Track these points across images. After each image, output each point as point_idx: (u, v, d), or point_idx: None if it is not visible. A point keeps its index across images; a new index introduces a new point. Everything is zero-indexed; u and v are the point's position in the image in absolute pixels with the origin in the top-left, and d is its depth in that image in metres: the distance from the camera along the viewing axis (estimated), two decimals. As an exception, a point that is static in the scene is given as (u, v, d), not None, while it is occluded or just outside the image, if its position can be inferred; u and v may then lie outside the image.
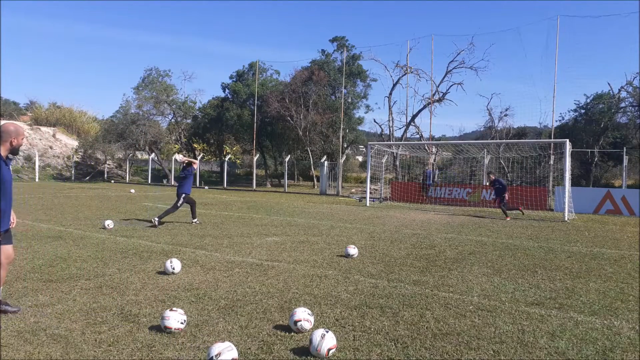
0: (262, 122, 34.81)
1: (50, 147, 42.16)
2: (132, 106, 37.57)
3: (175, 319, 3.89)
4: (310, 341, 3.48)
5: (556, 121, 29.67)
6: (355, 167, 47.92)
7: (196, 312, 4.46)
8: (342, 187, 29.06)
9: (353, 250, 7.44)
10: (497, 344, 3.81)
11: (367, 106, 37.11)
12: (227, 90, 39.04)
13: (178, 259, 6.21)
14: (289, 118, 31.89)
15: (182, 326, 3.90)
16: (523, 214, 15.70)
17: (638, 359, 3.61)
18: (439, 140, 34.36)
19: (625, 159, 21.65)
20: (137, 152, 42.45)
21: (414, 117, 31.01)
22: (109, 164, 40.81)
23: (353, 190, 29.57)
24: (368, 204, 19.38)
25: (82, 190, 25.14)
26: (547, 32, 66.60)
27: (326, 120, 31.75)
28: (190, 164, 11.61)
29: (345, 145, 33.93)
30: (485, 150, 22.38)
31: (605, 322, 4.43)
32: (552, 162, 21.65)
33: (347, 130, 33.66)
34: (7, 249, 4.16)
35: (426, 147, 26.38)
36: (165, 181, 37.10)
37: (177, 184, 12.35)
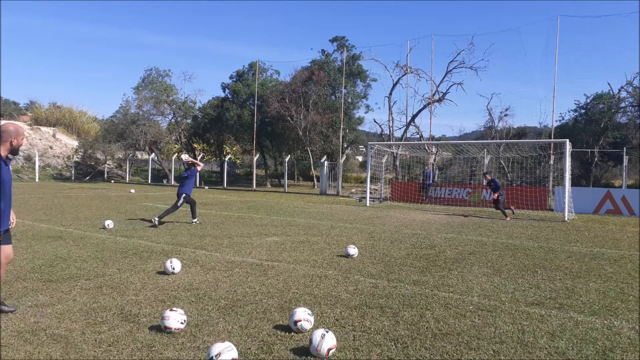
0: (262, 122, 34.81)
1: (50, 147, 42.17)
2: (132, 106, 37.59)
3: (175, 319, 3.89)
4: (310, 341, 3.48)
5: (556, 121, 29.71)
6: (355, 167, 47.91)
7: (196, 312, 4.46)
8: (342, 187, 29.06)
9: (353, 250, 7.44)
10: (497, 344, 3.81)
11: (367, 106, 37.15)
12: (227, 90, 39.05)
13: (178, 259, 6.21)
14: (289, 118, 31.89)
15: (182, 326, 3.91)
16: (513, 213, 15.60)
17: (638, 359, 3.61)
18: (439, 140, 34.36)
19: (625, 159, 21.64)
20: (137, 152, 42.44)
21: (414, 117, 31.04)
22: (109, 164, 40.82)
23: (353, 190, 29.57)
24: (368, 204, 19.38)
25: (82, 190, 25.14)
26: (547, 32, 66.64)
27: (326, 120, 31.75)
28: (194, 164, 11.73)
29: (345, 145, 33.93)
30: (485, 150, 22.38)
31: (605, 322, 4.43)
32: (552, 162, 21.66)
33: (347, 130, 33.66)
34: (7, 249, 4.15)
35: (426, 147, 26.38)
36: (165, 181, 37.11)
37: (178, 184, 12.37)
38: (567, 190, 15.23)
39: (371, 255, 7.65)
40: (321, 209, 17.05)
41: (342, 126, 29.87)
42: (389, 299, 5.07)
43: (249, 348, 3.64)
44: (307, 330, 3.94)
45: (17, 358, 3.39)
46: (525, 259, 7.67)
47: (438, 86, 30.21)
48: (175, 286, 5.42)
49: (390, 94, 31.60)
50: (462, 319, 4.44)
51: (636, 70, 30.79)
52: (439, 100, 30.14)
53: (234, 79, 38.71)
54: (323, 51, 35.98)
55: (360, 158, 50.13)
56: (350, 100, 34.85)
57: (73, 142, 43.54)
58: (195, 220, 11.31)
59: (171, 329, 3.86)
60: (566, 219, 14.50)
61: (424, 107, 30.61)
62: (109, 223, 10.08)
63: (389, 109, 31.62)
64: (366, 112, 50.35)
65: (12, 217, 4.26)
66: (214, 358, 3.18)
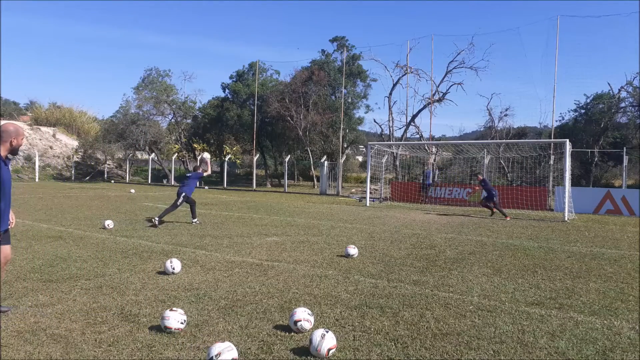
0: (262, 122, 34.82)
1: (50, 147, 42.17)
2: (132, 106, 37.59)
3: (175, 319, 3.89)
4: (310, 341, 3.48)
5: (556, 121, 29.70)
6: (355, 167, 47.90)
7: (196, 312, 4.46)
8: (342, 187, 29.06)
9: (353, 250, 7.44)
10: (497, 344, 3.81)
11: (367, 106, 37.18)
12: (227, 90, 39.06)
13: (178, 259, 6.21)
14: (289, 118, 31.88)
15: (182, 326, 3.90)
16: (492, 214, 15.53)
17: (638, 359, 3.61)
18: (439, 140, 34.36)
19: (625, 159, 21.65)
20: (137, 152, 42.43)
21: (414, 117, 31.04)
22: (109, 164, 40.82)
23: (353, 190, 29.57)
24: (368, 204, 19.38)
25: (82, 190, 25.14)
26: (547, 32, 66.60)
27: (326, 120, 31.76)
28: (198, 168, 12.00)
29: (345, 145, 33.93)
30: (485, 150, 22.38)
31: (605, 322, 4.43)
32: (552, 162, 21.65)
33: (347, 130, 33.66)
34: (5, 249, 4.15)
35: (426, 147, 26.38)
36: (165, 181, 37.11)
37: (178, 184, 12.41)
38: (567, 190, 15.22)
39: (371, 255, 7.65)
40: (321, 209, 17.05)
41: (342, 126, 29.87)
42: (389, 299, 5.07)
43: (249, 348, 3.64)
44: (307, 330, 3.94)
45: (17, 358, 3.39)
46: (525, 259, 7.67)
47: (438, 86, 30.25)
48: (175, 286, 5.42)
49: (390, 94, 31.63)
50: (462, 319, 4.44)
51: (636, 70, 30.81)
52: (439, 100, 30.14)
53: (234, 79, 38.73)
54: (323, 51, 36.04)
55: (360, 158, 50.14)
56: (350, 100, 34.87)
57: (73, 142, 43.53)
58: (195, 220, 11.31)
59: (171, 329, 3.86)
60: (566, 219, 14.50)
61: (424, 107, 30.64)
62: (109, 223, 10.08)
63: (389, 109, 31.65)
64: (366, 112, 50.42)
65: (12, 217, 4.26)
66: (214, 358, 3.18)
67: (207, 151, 43.06)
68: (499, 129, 31.52)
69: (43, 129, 44.67)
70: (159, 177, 39.39)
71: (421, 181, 22.21)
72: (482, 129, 33.24)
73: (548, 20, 67.04)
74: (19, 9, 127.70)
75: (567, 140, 15.81)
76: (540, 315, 4.58)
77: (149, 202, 17.56)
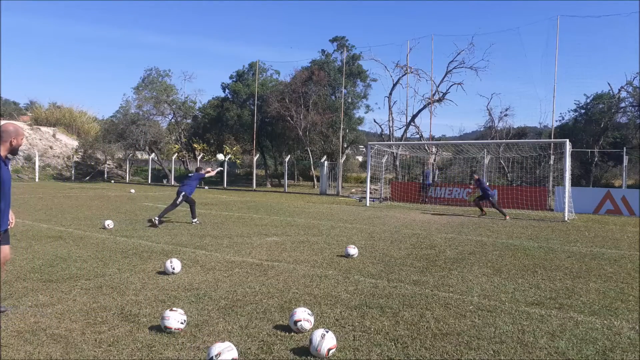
0: (262, 122, 34.81)
1: (50, 147, 42.16)
2: (132, 106, 37.60)
3: (175, 319, 3.89)
4: (310, 341, 3.48)
5: (556, 121, 29.70)
6: (355, 167, 47.90)
7: (196, 312, 4.46)
8: (342, 187, 29.05)
9: (353, 250, 7.44)
10: (497, 344, 3.81)
11: (367, 106, 37.17)
12: (227, 90, 39.06)
13: (178, 259, 6.21)
14: (289, 118, 31.88)
15: (182, 326, 3.91)
16: (482, 214, 15.51)
17: (638, 359, 3.61)
18: (439, 140, 34.37)
19: (625, 159, 21.65)
20: (137, 152, 42.44)
21: (414, 117, 31.04)
22: (109, 164, 40.82)
23: (353, 190, 29.57)
24: (368, 204, 19.38)
25: (82, 190, 25.14)
26: (547, 32, 66.61)
27: (326, 120, 31.76)
28: (200, 169, 12.16)
29: (345, 145, 33.93)
30: (485, 150, 22.38)
31: (605, 322, 4.43)
32: (552, 162, 21.65)
33: (347, 130, 33.66)
34: (5, 249, 4.15)
35: (426, 147, 26.38)
36: (165, 181, 37.11)
37: (179, 184, 12.44)
38: (567, 190, 15.22)
39: (371, 255, 7.65)
40: (321, 209, 17.05)
41: (342, 126, 29.87)
42: (389, 299, 5.07)
43: (249, 348, 3.64)
44: (307, 330, 3.94)
45: (17, 358, 3.39)
46: (525, 259, 7.67)
47: (438, 86, 30.25)
48: (175, 286, 5.42)
49: (390, 94, 31.63)
50: (462, 319, 4.44)
51: (636, 70, 30.81)
52: (439, 100, 30.14)
53: (234, 79, 38.72)
54: (323, 51, 36.04)
55: (360, 158, 50.14)
56: (350, 100, 34.86)
57: (73, 142, 43.53)
58: (195, 220, 11.31)
59: (171, 329, 3.86)
60: (566, 219, 14.50)
61: (424, 107, 30.64)
62: (109, 223, 10.08)
63: (389, 109, 31.65)
64: (366, 112, 50.38)
65: (12, 217, 4.26)
66: (214, 358, 3.18)
67: (206, 151, 43.11)
68: (499, 129, 31.52)
69: (43, 129, 44.67)
70: (159, 177, 39.39)
71: (421, 181, 22.21)
72: (482, 129, 33.27)
73: (548, 20, 67.11)
74: (19, 9, 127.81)
75: (567, 140, 15.81)
76: (540, 315, 4.58)
77: (149, 202, 17.56)
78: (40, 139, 42.23)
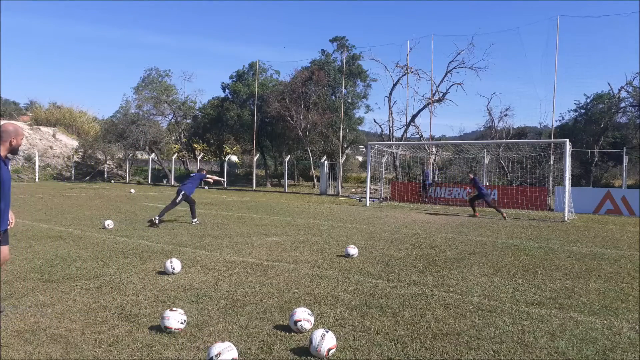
0: (262, 122, 34.81)
1: (50, 147, 42.16)
2: (132, 106, 37.62)
3: (175, 319, 3.89)
4: (310, 341, 3.48)
5: (556, 121, 29.71)
6: (355, 167, 47.91)
7: (196, 312, 4.46)
8: (342, 187, 29.05)
9: (353, 250, 7.44)
10: (497, 344, 3.81)
11: (367, 106, 37.19)
12: (227, 90, 39.06)
13: (178, 259, 6.21)
14: (289, 118, 31.89)
15: (182, 326, 3.90)
16: (474, 214, 15.43)
17: (638, 359, 3.61)
18: (439, 140, 34.38)
19: (625, 159, 21.65)
20: (137, 152, 42.44)
21: (414, 117, 31.05)
22: (109, 164, 40.82)
23: (353, 190, 29.57)
24: (368, 204, 19.38)
25: (82, 190, 25.14)
26: (547, 32, 66.64)
27: (326, 120, 31.76)
28: (202, 170, 12.32)
29: (345, 145, 33.93)
30: (485, 150, 22.38)
31: (605, 322, 4.43)
32: (552, 162, 21.66)
33: (347, 130, 33.66)
34: (4, 249, 4.15)
35: (426, 147, 26.38)
36: (165, 181, 37.10)
37: (179, 184, 12.47)
38: (567, 190, 15.22)
39: (371, 255, 7.65)
40: (321, 209, 17.05)
41: (342, 126, 29.87)
42: (389, 299, 5.07)
43: (249, 348, 3.64)
44: (307, 330, 3.94)
45: (17, 358, 3.39)
46: (525, 259, 7.67)
47: (438, 86, 30.26)
48: (175, 286, 5.41)
49: (390, 94, 31.64)
50: (462, 319, 4.44)
51: (636, 70, 30.81)
52: (439, 100, 30.15)
53: (234, 79, 38.72)
54: (323, 51, 36.04)
55: (360, 158, 50.14)
56: (350, 100, 34.87)
57: (73, 142, 43.53)
58: (195, 220, 11.31)
59: (171, 329, 3.86)
60: (566, 219, 14.50)
61: (424, 107, 30.65)
62: (109, 223, 10.08)
63: (389, 109, 31.65)
64: (366, 112, 50.43)
65: (11, 217, 4.26)
66: (214, 358, 3.18)
67: (206, 151, 43.09)
68: (499, 129, 31.53)
69: (43, 129, 44.66)
70: (159, 177, 39.39)
71: (421, 181, 22.22)
72: (482, 129, 33.28)
73: (548, 20, 67.13)
74: (19, 9, 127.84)
75: (567, 140, 15.81)
76: (540, 315, 4.58)
77: (149, 202, 17.56)
78: (40, 139, 42.23)
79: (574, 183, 22.18)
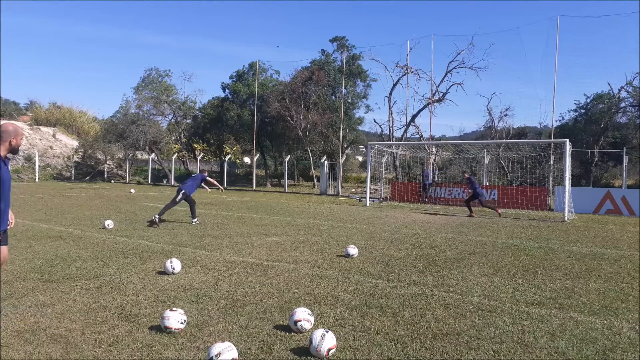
0: (262, 122, 34.81)
1: (50, 147, 42.16)
2: (132, 106, 37.62)
3: (175, 319, 3.89)
4: (310, 341, 3.48)
5: (556, 121, 29.70)
6: (355, 167, 47.91)
7: (196, 312, 4.46)
8: (342, 187, 29.05)
9: (353, 250, 7.44)
10: (497, 344, 3.81)
11: (367, 106, 37.19)
12: (227, 90, 39.06)
13: (178, 259, 6.21)
14: (289, 118, 31.88)
15: (182, 326, 3.90)
16: (470, 214, 15.31)
17: (638, 359, 3.61)
18: (439, 140, 34.38)
19: (625, 159, 21.64)
20: (137, 152, 42.46)
21: (414, 117, 31.05)
22: (109, 164, 40.82)
23: (353, 190, 29.57)
24: (368, 204, 19.38)
25: (82, 190, 25.14)
26: (547, 32, 66.63)
27: (326, 120, 31.76)
28: (204, 171, 12.03)
29: (345, 145, 33.93)
30: (485, 150, 22.38)
31: (605, 322, 4.43)
32: (552, 162, 21.66)
33: (347, 130, 33.66)
34: (3, 250, 4.15)
35: (426, 147, 26.38)
36: (165, 181, 37.11)
37: (178, 184, 12.46)
38: (567, 190, 15.22)
39: (371, 255, 7.65)
40: (321, 209, 17.05)
41: (342, 126, 29.87)
42: (389, 299, 5.07)
43: (249, 348, 3.64)
44: (307, 330, 3.94)
45: (17, 358, 3.39)
46: (525, 259, 7.67)
47: (438, 86, 30.26)
48: (175, 286, 5.42)
49: (390, 94, 31.64)
50: (462, 319, 4.44)
51: (636, 70, 30.80)
52: (439, 100, 30.15)
53: (234, 79, 38.72)
54: (323, 51, 36.04)
55: (360, 158, 50.14)
56: (350, 100, 34.87)
57: (73, 142, 43.53)
58: (195, 220, 11.32)
59: (171, 329, 3.86)
60: (566, 219, 14.50)
61: (424, 107, 30.65)
62: (109, 223, 10.08)
63: (389, 109, 31.65)
64: (366, 112, 50.42)
65: (11, 217, 4.26)
66: (214, 358, 3.18)
67: (206, 151, 43.08)
68: (499, 129, 31.53)
69: (43, 129, 44.66)
70: (159, 177, 39.39)
71: (421, 181, 22.22)
72: (482, 129, 33.28)
73: (548, 20, 67.13)
74: (19, 9, 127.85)
75: (567, 140, 15.81)
76: (540, 315, 4.58)
77: (149, 202, 17.56)
78: (40, 139, 42.23)
79: (574, 183, 22.18)
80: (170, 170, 36.58)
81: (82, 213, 13.16)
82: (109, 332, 3.90)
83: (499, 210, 14.89)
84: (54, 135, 44.41)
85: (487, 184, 21.95)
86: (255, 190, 29.60)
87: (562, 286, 5.81)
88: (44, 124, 46.83)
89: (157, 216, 10.64)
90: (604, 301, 5.16)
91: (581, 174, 28.46)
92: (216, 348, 3.23)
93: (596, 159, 28.47)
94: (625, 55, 68.74)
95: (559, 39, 23.05)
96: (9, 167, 4.16)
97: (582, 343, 3.87)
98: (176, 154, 41.25)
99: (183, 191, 11.22)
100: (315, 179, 34.02)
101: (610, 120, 28.50)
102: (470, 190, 15.71)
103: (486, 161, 22.34)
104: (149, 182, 37.05)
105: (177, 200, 11.17)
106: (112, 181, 38.07)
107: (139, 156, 45.18)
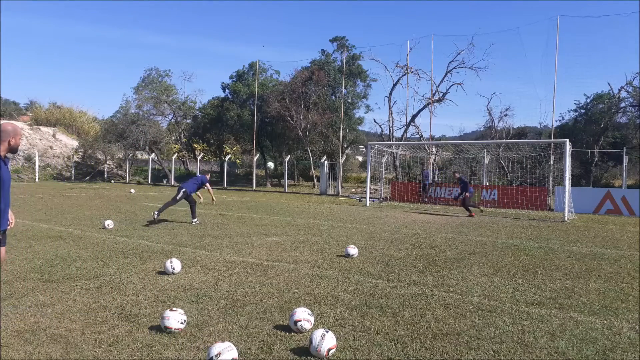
0: (262, 122, 34.81)
1: (50, 147, 42.15)
2: (132, 106, 37.60)
3: (175, 319, 3.89)
4: (310, 341, 3.48)
5: (556, 121, 29.70)
6: (355, 167, 47.90)
7: (196, 312, 4.46)
8: (342, 187, 29.04)
9: (353, 250, 7.44)
10: (497, 344, 3.81)
11: (367, 106, 37.18)
12: (227, 90, 39.04)
13: (178, 259, 6.21)
14: (289, 118, 31.88)
15: (182, 326, 3.91)
16: (470, 215, 15.41)
17: (638, 359, 3.61)
18: (439, 140, 34.37)
19: (625, 159, 21.64)
20: (137, 152, 42.45)
21: (414, 117, 31.04)
22: (109, 164, 40.81)
23: (353, 190, 29.56)
24: (368, 204, 19.37)
25: (82, 190, 25.14)
26: (547, 32, 66.65)
27: (326, 120, 31.75)
28: (207, 173, 12.51)
29: (345, 145, 33.93)
30: (485, 150, 22.38)
31: (605, 322, 4.43)
32: (552, 162, 21.65)
33: (347, 130, 33.65)
34: (2, 250, 4.15)
35: (426, 147, 26.37)
36: (165, 181, 37.10)
37: (178, 184, 12.50)
38: (567, 190, 15.22)
39: (371, 255, 7.65)
40: (321, 209, 17.05)
41: (342, 126, 29.86)
42: (389, 299, 5.07)
43: (249, 348, 3.64)
44: (307, 330, 3.94)
45: (17, 358, 3.39)
46: (525, 259, 7.67)
47: (438, 86, 30.25)
48: (175, 286, 5.41)
49: (390, 94, 31.63)
50: (462, 319, 4.44)
51: (636, 70, 30.80)
52: (439, 100, 30.14)
53: (234, 79, 38.71)
54: (323, 51, 36.03)
55: (360, 158, 50.15)
56: (350, 100, 34.86)
57: (73, 142, 43.52)
58: (195, 220, 11.32)
59: (171, 329, 3.86)
60: (566, 219, 14.50)
61: (424, 107, 30.64)
62: (109, 223, 10.08)
63: (389, 109, 31.64)
64: (366, 112, 50.43)
65: (11, 217, 4.25)
66: (214, 358, 3.18)
67: (206, 151, 43.05)
68: (499, 129, 31.52)
69: (43, 129, 44.65)
70: (159, 177, 39.38)
71: (420, 181, 22.22)
72: (482, 129, 33.28)
73: (548, 20, 67.15)
74: (19, 9, 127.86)
75: (567, 140, 15.81)
76: (540, 315, 4.58)
77: (149, 202, 17.56)
78: (40, 139, 42.23)
79: (574, 183, 22.18)
80: (170, 170, 36.57)
81: (82, 213, 13.16)
82: (109, 332, 3.90)
83: (481, 208, 15.20)
84: (54, 135, 44.41)
85: (487, 184, 21.95)
86: (255, 190, 29.59)
87: (562, 286, 5.81)
88: (44, 124, 46.82)
89: (156, 212, 10.74)
90: (604, 301, 5.16)
91: (581, 174, 28.46)
92: (216, 348, 3.23)
93: (596, 159, 28.46)
94: (625, 55, 68.82)
95: (559, 39, 23.07)
96: (9, 167, 4.16)
97: (582, 343, 3.87)
98: (176, 154, 41.25)
99: (184, 190, 11.27)
100: (315, 179, 34.01)
101: (610, 120, 28.49)
102: (472, 190, 15.77)
103: (486, 161, 22.33)
104: (149, 182, 37.04)
105: (178, 198, 11.21)
106: (112, 181, 38.07)
107: (139, 156, 45.17)
